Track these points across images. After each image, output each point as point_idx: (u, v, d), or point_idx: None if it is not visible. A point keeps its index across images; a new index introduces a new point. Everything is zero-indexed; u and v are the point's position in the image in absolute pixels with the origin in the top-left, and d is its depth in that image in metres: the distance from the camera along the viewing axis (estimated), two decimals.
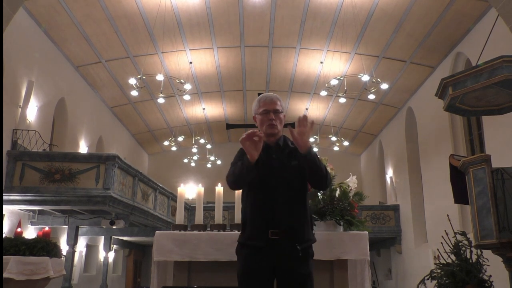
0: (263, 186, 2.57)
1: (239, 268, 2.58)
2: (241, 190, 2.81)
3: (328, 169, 3.84)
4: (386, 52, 11.49)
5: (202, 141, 15.64)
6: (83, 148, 12.35)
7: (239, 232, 2.71)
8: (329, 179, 2.66)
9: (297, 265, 2.50)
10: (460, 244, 5.56)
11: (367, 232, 3.51)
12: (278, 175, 2.59)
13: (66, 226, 10.13)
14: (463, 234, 5.67)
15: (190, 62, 12.45)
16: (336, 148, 15.81)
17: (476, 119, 10.44)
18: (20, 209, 9.14)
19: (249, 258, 2.55)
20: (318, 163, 2.55)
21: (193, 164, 17.02)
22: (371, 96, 10.97)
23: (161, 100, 11.32)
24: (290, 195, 2.58)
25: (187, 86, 10.22)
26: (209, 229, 3.66)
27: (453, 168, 5.08)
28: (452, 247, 5.63)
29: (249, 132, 2.44)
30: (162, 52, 11.80)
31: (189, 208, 14.35)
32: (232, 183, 2.61)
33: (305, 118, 2.48)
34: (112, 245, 13.61)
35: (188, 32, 11.13)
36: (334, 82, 10.27)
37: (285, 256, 2.49)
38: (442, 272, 5.43)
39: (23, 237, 5.79)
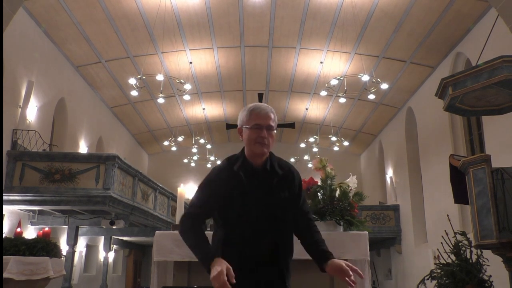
0: (246, 216, 2.27)
1: None
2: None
3: (328, 169, 3.86)
4: (386, 52, 11.49)
5: (202, 141, 15.63)
6: (83, 148, 12.35)
7: None
8: None
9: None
10: (460, 244, 5.57)
11: (367, 232, 3.51)
12: (264, 205, 2.30)
13: (66, 226, 10.13)
14: (463, 234, 5.68)
15: (190, 62, 12.44)
16: (336, 148, 15.81)
17: (476, 119, 10.43)
18: (20, 209, 9.14)
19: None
20: None
21: (193, 164, 17.02)
22: (371, 96, 10.97)
23: (161, 100, 11.31)
24: (275, 226, 2.31)
25: (187, 86, 10.21)
26: (209, 229, 3.66)
27: (453, 168, 5.08)
28: (452, 247, 5.64)
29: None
30: (162, 52, 11.80)
31: None
32: (181, 236, 2.27)
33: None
34: (112, 245, 13.61)
35: (188, 32, 11.12)
36: (334, 82, 10.25)
37: (267, 284, 2.27)
38: (442, 272, 5.44)
39: (23, 237, 5.80)
